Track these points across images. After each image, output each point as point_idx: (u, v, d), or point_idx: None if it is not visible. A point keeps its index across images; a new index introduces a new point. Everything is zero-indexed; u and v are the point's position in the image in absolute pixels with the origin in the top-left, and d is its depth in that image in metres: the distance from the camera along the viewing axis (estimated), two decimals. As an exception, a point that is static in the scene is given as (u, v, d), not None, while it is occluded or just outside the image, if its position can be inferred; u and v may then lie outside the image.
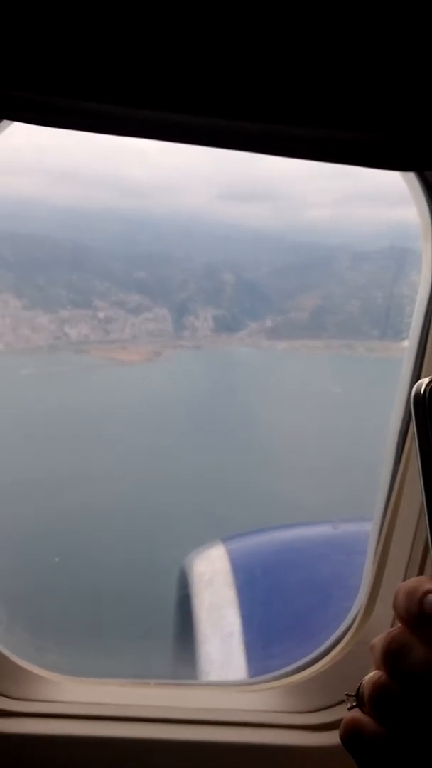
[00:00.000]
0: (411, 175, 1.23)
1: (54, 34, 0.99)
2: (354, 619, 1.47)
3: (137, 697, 1.47)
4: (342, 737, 0.63)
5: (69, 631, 2.09)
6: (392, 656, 0.60)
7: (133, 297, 2.92)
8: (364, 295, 2.76)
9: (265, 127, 1.05)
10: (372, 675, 0.63)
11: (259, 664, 2.20)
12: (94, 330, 2.94)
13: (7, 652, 1.45)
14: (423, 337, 1.34)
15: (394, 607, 0.62)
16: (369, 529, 1.46)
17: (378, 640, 0.62)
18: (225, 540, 2.54)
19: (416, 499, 1.36)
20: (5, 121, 1.17)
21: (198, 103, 1.01)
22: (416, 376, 1.34)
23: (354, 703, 0.64)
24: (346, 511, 2.39)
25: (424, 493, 0.63)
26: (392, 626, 0.63)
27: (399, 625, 0.62)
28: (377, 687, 0.61)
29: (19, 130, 1.20)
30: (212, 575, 2.40)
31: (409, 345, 1.37)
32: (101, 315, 2.91)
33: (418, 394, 0.63)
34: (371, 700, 0.62)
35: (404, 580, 1.35)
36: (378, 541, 1.41)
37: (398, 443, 1.38)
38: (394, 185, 1.30)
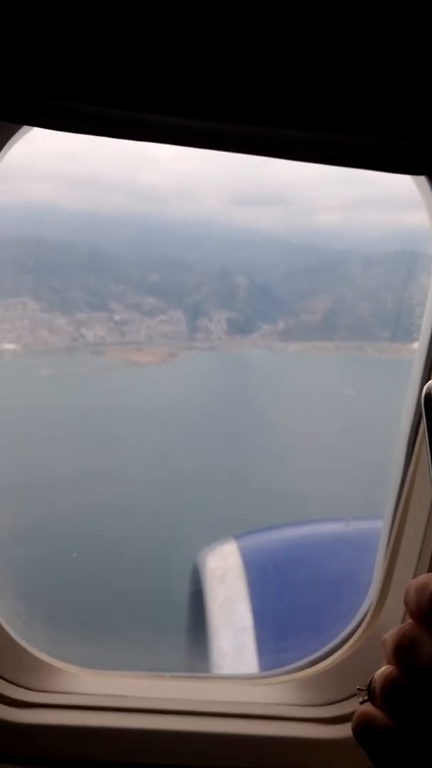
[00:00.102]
0: (422, 179, 1.22)
1: (72, 42, 0.99)
2: (365, 615, 1.46)
3: (152, 690, 1.47)
4: (354, 730, 0.63)
5: (86, 625, 2.09)
6: (403, 651, 0.60)
7: (148, 300, 2.92)
8: (375, 297, 2.75)
9: (276, 131, 1.05)
10: (383, 670, 0.63)
11: (271, 658, 2.19)
12: (110, 332, 2.94)
13: (26, 645, 1.46)
14: (433, 339, 1.34)
15: (405, 603, 0.62)
16: (380, 526, 1.45)
17: (389, 635, 0.62)
18: (237, 537, 2.54)
19: (426, 497, 1.35)
20: (25, 127, 1.17)
21: (212, 108, 1.01)
22: (426, 376, 1.34)
23: (366, 698, 0.64)
24: (358, 509, 2.38)
25: None
26: (403, 622, 0.62)
27: (410, 620, 0.61)
28: (388, 681, 0.61)
29: (38, 136, 1.20)
30: (225, 571, 2.40)
31: (419, 346, 1.37)
32: (117, 317, 2.91)
33: (429, 393, 0.64)
34: (383, 695, 0.61)
35: (414, 576, 1.35)
36: (389, 538, 1.41)
37: (408, 442, 1.37)
38: (404, 189, 1.29)
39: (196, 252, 2.77)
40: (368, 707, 0.63)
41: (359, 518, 2.29)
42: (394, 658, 0.60)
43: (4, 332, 2.79)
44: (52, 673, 1.46)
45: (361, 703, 0.64)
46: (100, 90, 1.00)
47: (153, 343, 3.00)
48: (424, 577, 0.60)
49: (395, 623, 1.38)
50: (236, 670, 2.23)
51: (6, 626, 1.44)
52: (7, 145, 1.20)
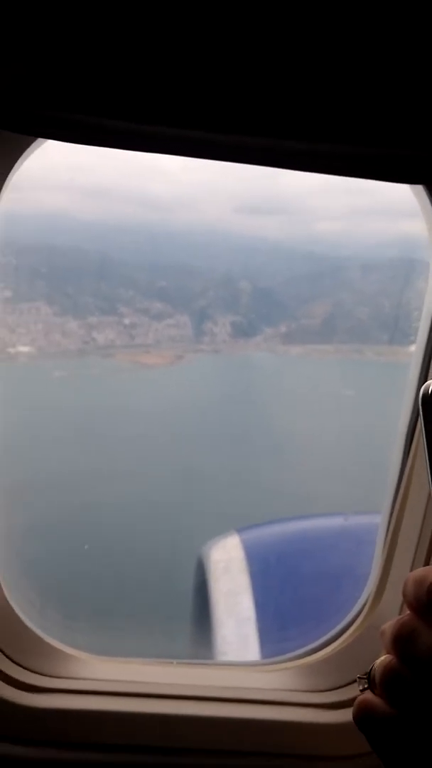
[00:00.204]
0: (420, 188, 1.22)
1: (84, 59, 0.99)
2: (364, 605, 1.46)
3: (160, 676, 1.47)
4: (355, 717, 0.63)
5: (96, 614, 2.09)
6: (402, 641, 0.60)
7: (156, 304, 2.92)
8: (373, 302, 2.75)
9: (279, 142, 1.05)
10: (383, 659, 0.63)
11: (273, 646, 2.19)
12: (119, 335, 2.94)
13: (39, 632, 1.46)
14: (429, 342, 1.33)
15: (404, 594, 0.62)
16: (378, 521, 1.45)
17: (388, 626, 0.62)
18: (240, 530, 2.54)
19: (423, 494, 1.35)
20: (39, 140, 1.17)
21: (217, 120, 1.02)
22: (423, 378, 1.33)
23: (366, 686, 0.64)
24: (357, 504, 2.38)
25: (431, 487, 0.63)
26: (400, 612, 0.62)
27: (408, 611, 0.61)
28: (388, 670, 0.61)
29: (52, 148, 1.20)
30: (228, 563, 2.40)
31: (416, 349, 1.37)
32: (126, 321, 2.91)
33: (426, 394, 0.64)
34: (382, 683, 0.61)
35: (411, 569, 1.35)
36: (387, 533, 1.41)
37: (406, 441, 1.37)
38: (402, 198, 1.29)
39: (201, 259, 2.76)
40: (368, 695, 0.63)
41: (358, 513, 2.29)
42: (393, 647, 0.61)
43: (19, 336, 2.79)
44: (65, 659, 1.46)
45: (362, 690, 0.64)
46: (109, 104, 1.01)
47: (161, 346, 3.00)
48: (422, 571, 0.60)
49: (393, 614, 1.37)
50: (239, 657, 2.23)
51: (21, 614, 1.44)
52: (23, 156, 1.21)
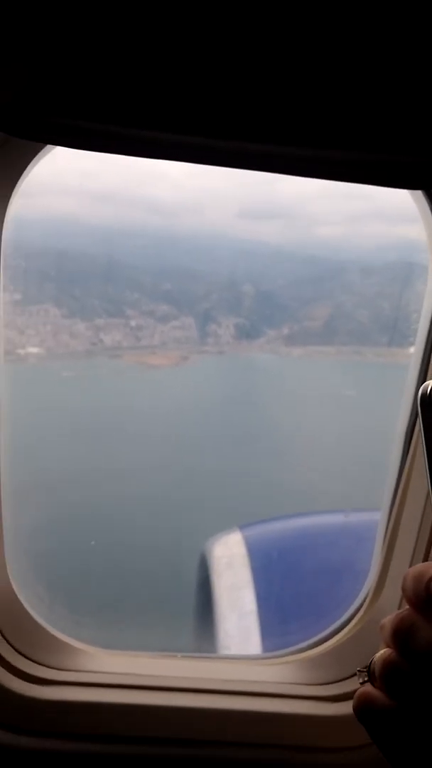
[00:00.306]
0: (419, 194, 1.22)
1: (92, 69, 0.99)
2: (364, 600, 1.46)
3: (164, 668, 1.47)
4: (355, 709, 0.63)
5: (103, 608, 2.09)
6: (401, 635, 0.60)
7: (162, 307, 2.92)
8: (373, 305, 2.74)
9: (280, 149, 1.05)
10: (382, 653, 0.63)
11: (274, 640, 2.19)
12: (126, 337, 2.94)
13: (47, 627, 1.46)
14: (428, 343, 1.33)
15: (403, 590, 0.62)
16: (378, 518, 1.45)
17: (387, 620, 0.62)
18: (242, 527, 2.54)
19: (422, 492, 1.35)
20: (48, 146, 1.17)
21: (220, 126, 1.02)
22: (422, 378, 1.33)
23: (366, 678, 0.64)
24: (357, 502, 2.37)
25: (430, 485, 0.63)
26: (400, 607, 0.62)
27: (407, 606, 0.61)
28: (387, 664, 0.61)
29: (61, 154, 1.20)
30: (230, 559, 2.40)
31: (415, 350, 1.36)
32: (133, 323, 2.91)
33: (424, 395, 0.64)
34: (382, 676, 0.62)
35: (411, 565, 1.34)
36: (386, 529, 1.41)
37: (405, 440, 1.37)
38: (401, 203, 1.28)
39: (205, 262, 2.76)
40: (368, 687, 0.63)
41: (358, 510, 2.29)
42: (392, 641, 0.61)
43: (29, 337, 2.79)
44: (72, 652, 1.47)
45: (362, 683, 0.64)
46: (116, 112, 1.01)
47: (166, 347, 3.00)
48: (420, 566, 0.60)
49: (392, 608, 1.37)
50: (242, 651, 2.23)
51: (30, 609, 1.45)
52: (32, 162, 1.21)
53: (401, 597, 1.30)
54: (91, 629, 1.69)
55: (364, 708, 0.62)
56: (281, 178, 1.14)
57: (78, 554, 2.47)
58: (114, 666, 1.47)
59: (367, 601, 1.44)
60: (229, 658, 1.95)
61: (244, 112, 1.00)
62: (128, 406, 3.19)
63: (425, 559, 1.34)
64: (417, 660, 0.58)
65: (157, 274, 2.87)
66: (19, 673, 1.40)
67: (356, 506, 2.35)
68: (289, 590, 2.33)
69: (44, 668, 1.43)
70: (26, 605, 1.45)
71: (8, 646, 1.42)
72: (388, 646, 0.62)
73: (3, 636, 1.42)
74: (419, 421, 0.65)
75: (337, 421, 3.03)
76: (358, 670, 0.65)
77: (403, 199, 1.26)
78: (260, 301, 2.91)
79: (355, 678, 0.66)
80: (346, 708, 1.37)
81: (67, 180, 1.52)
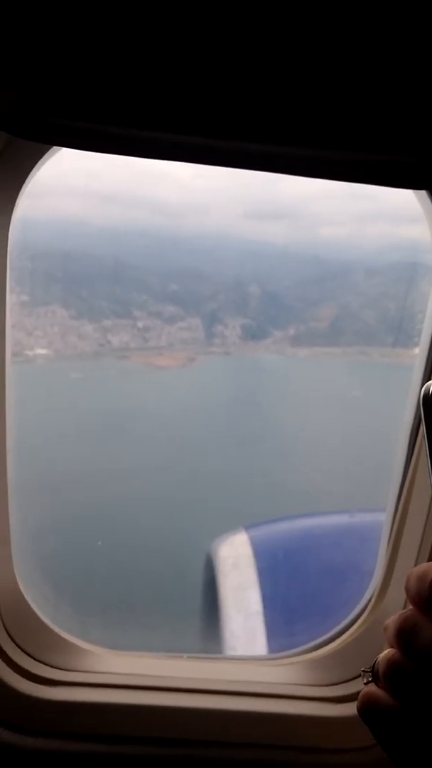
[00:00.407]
0: (423, 193, 1.21)
1: (96, 71, 1.00)
2: (369, 601, 1.45)
3: (170, 669, 1.47)
4: (359, 710, 0.63)
5: (109, 609, 2.09)
6: (405, 635, 0.60)
7: (168, 308, 2.92)
8: (378, 305, 2.73)
9: (285, 149, 1.05)
10: (386, 653, 0.62)
11: (280, 641, 2.18)
12: (133, 338, 2.95)
13: (55, 628, 1.46)
14: (432, 343, 1.33)
15: (406, 590, 0.62)
16: (382, 518, 1.44)
17: (391, 620, 0.62)
18: (248, 528, 2.53)
19: (426, 492, 1.34)
20: (54, 147, 1.18)
21: (225, 127, 1.02)
22: (426, 378, 1.33)
23: (370, 679, 0.64)
24: (363, 502, 2.37)
25: None
26: (404, 608, 0.62)
27: (411, 607, 0.61)
28: (391, 664, 0.61)
29: (67, 156, 1.20)
30: (236, 559, 2.40)
31: (419, 351, 1.36)
32: (140, 324, 2.91)
33: (426, 394, 0.64)
34: (386, 676, 0.61)
35: (415, 565, 1.34)
36: (391, 530, 1.40)
37: (409, 440, 1.37)
38: (405, 203, 1.28)
39: (211, 263, 2.76)
40: (372, 688, 0.63)
41: (363, 511, 2.28)
42: (396, 641, 0.60)
43: (37, 338, 2.79)
44: (79, 653, 1.47)
45: (366, 683, 0.64)
46: (118, 112, 1.02)
47: (173, 348, 3.00)
48: (424, 566, 0.60)
49: (397, 609, 1.37)
50: (247, 652, 2.22)
51: (37, 610, 1.45)
52: (38, 164, 1.21)
53: (406, 597, 1.29)
54: (97, 630, 1.69)
55: (368, 708, 0.62)
56: (286, 178, 1.14)
57: (84, 555, 2.47)
58: (120, 666, 1.47)
59: (372, 601, 1.44)
60: (234, 658, 1.95)
61: (246, 113, 1.01)
62: (135, 406, 3.19)
63: (430, 560, 1.33)
64: (420, 660, 0.58)
65: (163, 275, 2.87)
66: (26, 674, 1.41)
67: (361, 507, 2.34)
68: (295, 591, 2.32)
69: (50, 668, 1.43)
70: (33, 606, 1.45)
71: (15, 646, 1.42)
72: (391, 647, 0.61)
73: (10, 636, 1.42)
74: (422, 420, 0.65)
75: (343, 422, 3.02)
76: (363, 671, 0.65)
77: (407, 199, 1.26)
78: (266, 302, 2.91)
79: (360, 679, 0.65)
80: (351, 709, 1.37)
81: (72, 181, 1.52)
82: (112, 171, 1.66)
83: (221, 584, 2.34)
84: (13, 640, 1.42)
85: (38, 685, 1.40)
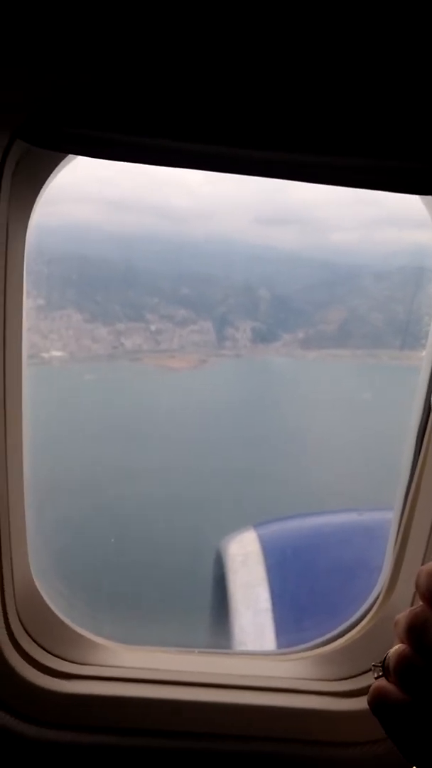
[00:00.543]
0: (430, 199, 1.21)
1: (110, 82, 1.00)
2: (377, 597, 1.45)
3: (182, 664, 1.47)
4: (370, 703, 0.63)
5: (123, 605, 2.09)
6: (415, 631, 0.60)
7: (180, 311, 2.92)
8: (386, 308, 2.73)
9: (294, 156, 1.05)
10: (396, 648, 0.62)
11: (289, 636, 2.18)
12: (146, 340, 2.95)
13: (69, 622, 1.46)
14: (439, 345, 1.32)
15: (417, 586, 0.61)
16: (391, 516, 1.44)
17: (402, 616, 0.62)
18: (257, 525, 2.53)
19: (434, 490, 1.34)
20: (70, 155, 1.18)
21: (238, 135, 1.02)
22: (433, 380, 1.32)
23: (380, 673, 0.64)
24: (371, 501, 2.36)
25: None
26: (412, 604, 0.62)
27: (420, 603, 0.61)
28: (401, 659, 0.61)
29: (81, 163, 1.21)
30: (245, 557, 2.39)
31: (426, 353, 1.35)
32: (152, 327, 2.92)
33: None
34: (396, 671, 0.61)
35: (423, 562, 1.33)
36: (399, 527, 1.40)
37: (417, 440, 1.36)
38: (412, 209, 1.28)
39: (222, 268, 2.76)
40: (383, 682, 0.63)
41: (371, 509, 2.27)
42: (406, 637, 0.60)
43: (52, 341, 2.80)
44: (93, 648, 1.47)
45: (377, 678, 0.64)
46: (132, 123, 1.03)
47: (185, 350, 3.00)
48: (434, 564, 0.60)
49: (405, 605, 1.36)
50: (257, 647, 2.22)
51: (52, 605, 1.45)
52: (54, 171, 1.22)
53: (414, 594, 1.29)
54: (109, 624, 1.69)
55: (379, 702, 0.62)
56: (295, 184, 1.14)
57: (97, 551, 2.47)
58: (132, 661, 1.47)
59: (380, 598, 1.43)
60: (243, 654, 1.95)
61: (254, 120, 1.01)
62: (148, 407, 3.20)
63: (438, 557, 1.33)
64: (430, 655, 0.58)
65: (175, 279, 2.87)
66: (40, 666, 1.41)
67: (370, 506, 2.33)
68: (303, 588, 2.32)
69: (65, 662, 1.43)
70: (48, 601, 1.45)
71: (30, 639, 1.42)
72: (402, 642, 0.61)
73: (26, 630, 1.42)
74: (430, 421, 0.65)
75: (352, 423, 3.01)
76: (373, 665, 0.65)
77: (414, 205, 1.25)
78: (276, 306, 2.91)
79: (369, 674, 0.65)
80: (360, 703, 1.36)
81: (87, 188, 1.52)
82: (124, 178, 1.67)
83: (231, 581, 2.34)
84: (28, 633, 1.42)
85: (52, 678, 1.40)
